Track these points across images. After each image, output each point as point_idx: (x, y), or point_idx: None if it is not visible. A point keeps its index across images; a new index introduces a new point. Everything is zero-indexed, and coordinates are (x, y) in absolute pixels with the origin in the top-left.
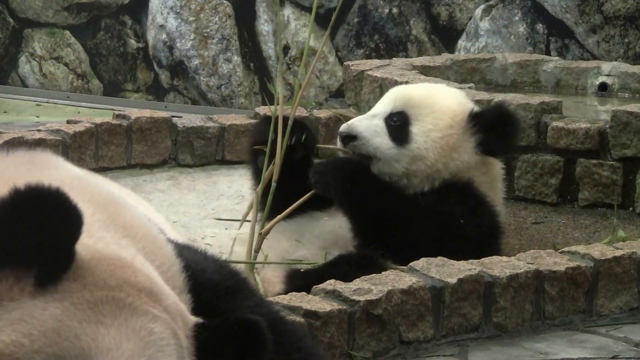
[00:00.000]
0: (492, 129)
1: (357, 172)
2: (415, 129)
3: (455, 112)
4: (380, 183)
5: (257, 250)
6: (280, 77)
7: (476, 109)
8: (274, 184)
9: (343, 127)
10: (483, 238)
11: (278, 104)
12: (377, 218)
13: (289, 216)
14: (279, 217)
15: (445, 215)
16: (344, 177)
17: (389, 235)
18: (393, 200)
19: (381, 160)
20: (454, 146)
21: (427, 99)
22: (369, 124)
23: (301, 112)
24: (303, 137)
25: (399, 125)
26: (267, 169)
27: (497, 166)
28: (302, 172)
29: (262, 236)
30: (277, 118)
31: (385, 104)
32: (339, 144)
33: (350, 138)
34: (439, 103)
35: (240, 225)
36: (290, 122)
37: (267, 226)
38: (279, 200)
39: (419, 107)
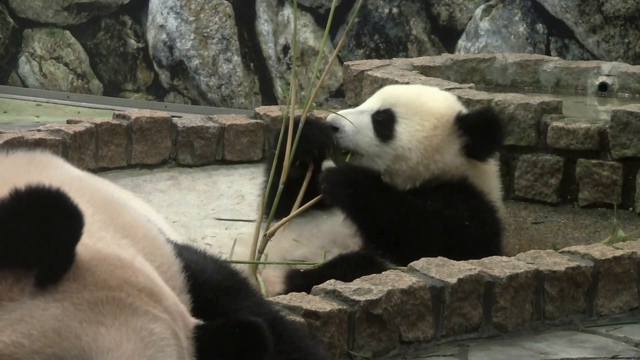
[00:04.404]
0: (477, 132)
1: (367, 185)
2: (401, 128)
3: (441, 114)
4: (389, 194)
5: (261, 251)
6: (293, 80)
7: (464, 111)
8: (281, 186)
9: (330, 117)
10: (487, 237)
11: (290, 106)
12: (388, 231)
13: (288, 214)
14: (285, 219)
15: (454, 221)
16: (354, 191)
17: (399, 247)
18: (403, 212)
19: (364, 156)
20: (437, 147)
21: (415, 100)
22: (355, 119)
23: (300, 111)
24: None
25: (383, 121)
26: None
27: (490, 163)
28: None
29: (267, 237)
30: (288, 120)
31: (373, 102)
32: None
33: (334, 129)
34: (426, 104)
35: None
36: (300, 125)
37: (273, 227)
38: (282, 199)
39: (406, 107)
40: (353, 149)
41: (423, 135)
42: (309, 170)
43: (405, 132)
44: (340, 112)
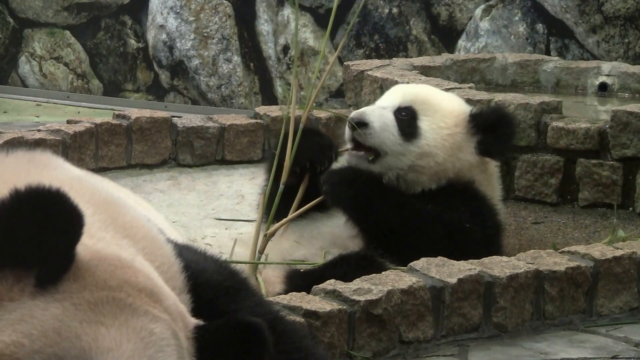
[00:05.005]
0: (491, 130)
1: (369, 188)
2: (424, 125)
3: (458, 112)
4: (391, 197)
5: (261, 252)
6: (294, 82)
7: (475, 110)
8: (281, 186)
9: (354, 114)
10: (487, 238)
11: (291, 106)
12: (389, 233)
13: (287, 216)
14: (285, 219)
15: (454, 223)
16: (355, 193)
17: (401, 248)
18: (404, 214)
19: (388, 154)
20: (459, 145)
21: (432, 97)
22: (380, 115)
23: (301, 112)
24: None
25: (407, 119)
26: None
27: (493, 164)
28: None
29: (267, 238)
30: (288, 120)
31: (392, 98)
32: (347, 131)
33: (360, 124)
34: (444, 102)
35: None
36: (301, 126)
37: (273, 228)
38: (282, 201)
39: (426, 104)
40: (378, 147)
41: (447, 132)
42: (305, 179)
43: (430, 129)
44: (364, 107)
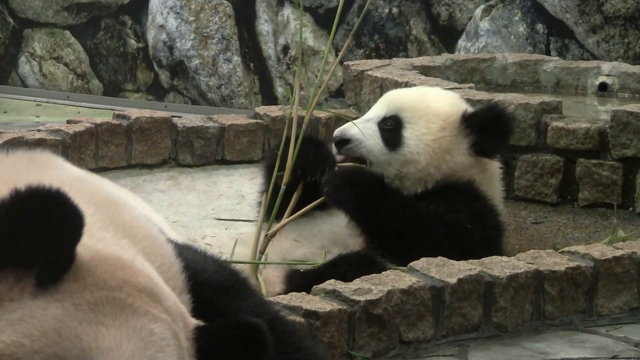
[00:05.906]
0: (485, 129)
1: (370, 188)
2: (408, 133)
3: (447, 114)
4: (392, 198)
5: (262, 252)
6: (297, 83)
7: (470, 110)
8: (283, 187)
9: (336, 132)
10: (488, 240)
11: (293, 105)
12: (391, 234)
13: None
14: (286, 220)
15: (455, 223)
16: (357, 194)
17: (402, 249)
18: (405, 215)
19: (374, 164)
20: (447, 148)
21: (420, 103)
22: (362, 128)
23: (302, 113)
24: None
25: (391, 129)
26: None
27: (495, 164)
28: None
29: (268, 238)
30: (291, 121)
31: (379, 109)
32: (333, 149)
33: (343, 142)
34: (431, 106)
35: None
36: (303, 127)
37: (274, 228)
38: (282, 201)
39: (412, 111)
40: (365, 157)
41: (430, 138)
42: (299, 186)
43: (413, 137)
44: (346, 124)
